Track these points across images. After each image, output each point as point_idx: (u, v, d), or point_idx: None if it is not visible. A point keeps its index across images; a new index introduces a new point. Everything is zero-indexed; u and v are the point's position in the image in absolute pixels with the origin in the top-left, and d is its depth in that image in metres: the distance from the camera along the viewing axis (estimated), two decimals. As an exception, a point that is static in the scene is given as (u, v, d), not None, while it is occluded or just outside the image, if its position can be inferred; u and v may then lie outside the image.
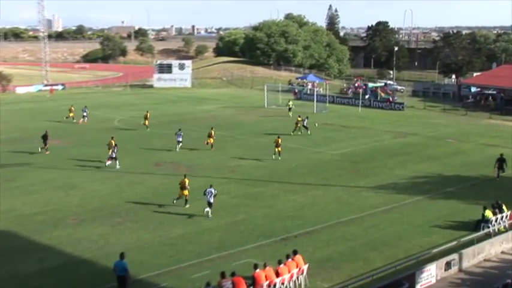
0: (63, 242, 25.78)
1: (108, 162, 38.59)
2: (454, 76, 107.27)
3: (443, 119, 63.50)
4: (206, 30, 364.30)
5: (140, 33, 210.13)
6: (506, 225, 27.75)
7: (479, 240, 24.66)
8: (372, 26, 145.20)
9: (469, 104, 74.82)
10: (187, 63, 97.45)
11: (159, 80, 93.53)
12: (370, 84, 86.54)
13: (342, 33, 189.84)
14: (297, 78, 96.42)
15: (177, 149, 43.87)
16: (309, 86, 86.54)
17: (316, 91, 75.66)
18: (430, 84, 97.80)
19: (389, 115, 63.96)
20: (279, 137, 42.56)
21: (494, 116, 65.57)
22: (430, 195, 33.49)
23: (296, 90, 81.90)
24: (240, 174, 37.56)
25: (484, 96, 75.63)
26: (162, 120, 58.59)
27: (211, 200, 29.08)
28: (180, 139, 44.23)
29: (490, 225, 27.06)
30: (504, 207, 28.60)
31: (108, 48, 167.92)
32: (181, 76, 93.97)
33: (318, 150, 45.41)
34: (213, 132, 45.31)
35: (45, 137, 43.36)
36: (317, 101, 67.90)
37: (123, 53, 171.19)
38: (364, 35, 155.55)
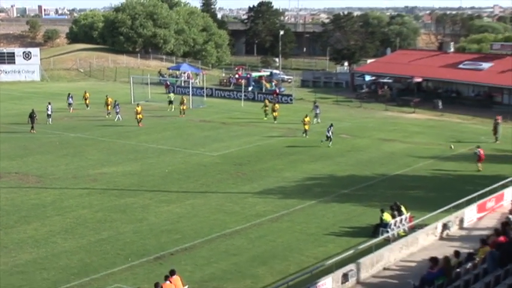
0: None
1: None
2: (346, 63, 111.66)
3: (336, 112, 65.89)
4: (57, 12, 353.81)
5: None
6: (406, 229, 29.26)
7: (378, 247, 25.79)
8: (253, 6, 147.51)
9: (364, 94, 78.17)
10: (34, 51, 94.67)
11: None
12: (254, 74, 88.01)
13: (219, 15, 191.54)
14: (168, 69, 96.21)
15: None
16: (183, 78, 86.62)
17: (192, 83, 75.99)
18: (320, 73, 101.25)
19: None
20: (306, 116, 51.95)
21: (391, 108, 69.03)
22: (323, 199, 34.63)
23: (168, 83, 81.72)
24: (104, 184, 36.93)
25: (380, 86, 79.35)
26: (3, 122, 56.32)
27: (329, 134, 47.42)
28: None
29: (389, 230, 28.42)
30: (403, 208, 30.10)
31: None
32: (28, 67, 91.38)
33: (196, 151, 45.56)
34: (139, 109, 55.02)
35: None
36: (193, 95, 68.41)
37: None
38: (245, 17, 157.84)
